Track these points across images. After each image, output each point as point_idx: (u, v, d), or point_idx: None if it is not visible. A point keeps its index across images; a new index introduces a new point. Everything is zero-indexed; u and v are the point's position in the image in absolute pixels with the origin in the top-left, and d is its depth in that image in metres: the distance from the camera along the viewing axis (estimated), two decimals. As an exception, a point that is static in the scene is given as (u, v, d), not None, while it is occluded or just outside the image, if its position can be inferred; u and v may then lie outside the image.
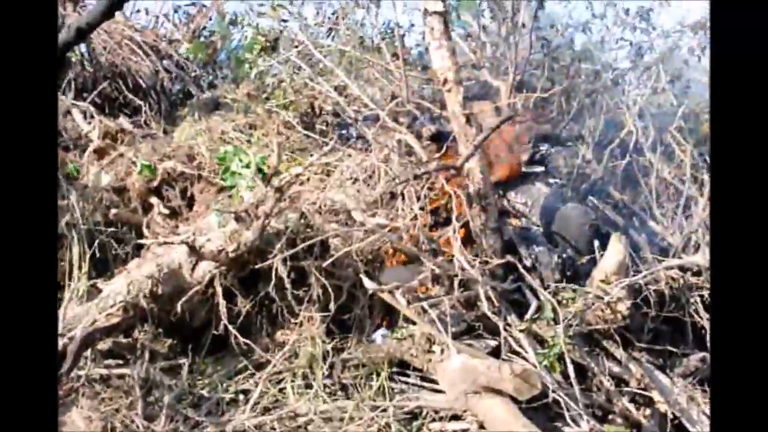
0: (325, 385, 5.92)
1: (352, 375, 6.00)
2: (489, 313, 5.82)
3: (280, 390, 5.92)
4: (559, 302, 5.79)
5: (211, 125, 7.98)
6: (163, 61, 9.51)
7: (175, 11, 10.32)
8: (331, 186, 6.58)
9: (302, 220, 6.16)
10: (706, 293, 6.40)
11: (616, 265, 6.08)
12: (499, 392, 5.51)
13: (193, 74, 9.79)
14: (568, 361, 5.67)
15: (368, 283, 5.87)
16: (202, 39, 10.45)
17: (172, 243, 5.91)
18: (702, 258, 6.36)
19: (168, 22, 10.24)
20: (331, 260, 5.91)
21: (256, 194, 6.00)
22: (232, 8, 9.70)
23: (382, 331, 6.26)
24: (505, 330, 5.85)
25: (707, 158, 7.67)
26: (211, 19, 10.42)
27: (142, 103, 8.62)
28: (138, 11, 10.27)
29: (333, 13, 8.69)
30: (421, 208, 6.44)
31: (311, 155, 6.88)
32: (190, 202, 7.26)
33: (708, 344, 6.20)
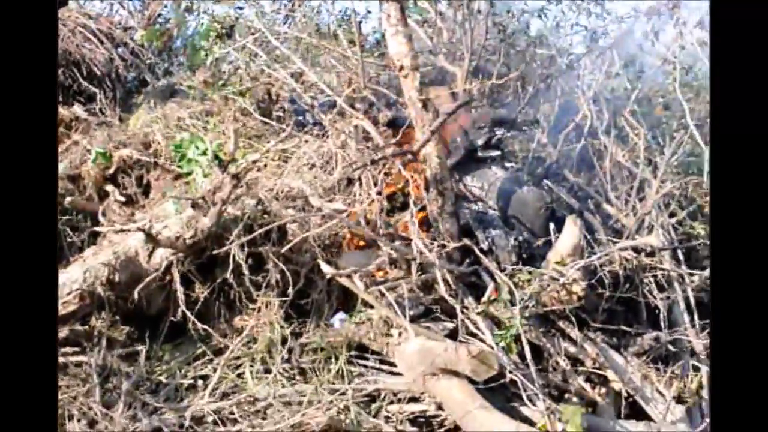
0: (284, 370, 5.93)
1: (311, 359, 6.03)
2: (446, 296, 5.89)
3: (239, 375, 5.94)
4: (515, 284, 5.83)
5: (167, 112, 7.93)
6: (117, 49, 9.39)
7: (129, -1, 10.22)
8: (288, 172, 6.57)
9: (259, 207, 6.16)
10: (659, 273, 6.51)
11: (571, 247, 6.16)
12: (456, 374, 5.58)
13: (148, 61, 9.68)
14: (524, 342, 5.75)
15: (326, 268, 5.89)
16: (157, 26, 10.35)
17: (129, 230, 5.88)
18: (655, 239, 6.46)
19: (123, 9, 10.12)
20: (288, 246, 5.92)
21: (213, 181, 5.98)
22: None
23: (340, 315, 6.28)
24: (462, 312, 5.91)
25: (660, 140, 7.79)
26: (166, 6, 10.31)
27: (96, 90, 8.51)
28: (93, -2, 10.18)
29: (289, 0, 8.65)
30: (379, 193, 6.45)
31: (268, 142, 6.86)
32: (147, 190, 7.22)
33: (662, 326, 6.30)
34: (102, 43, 9.01)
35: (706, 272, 6.80)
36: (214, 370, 5.89)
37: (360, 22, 8.29)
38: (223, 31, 7.52)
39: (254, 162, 5.83)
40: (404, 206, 6.51)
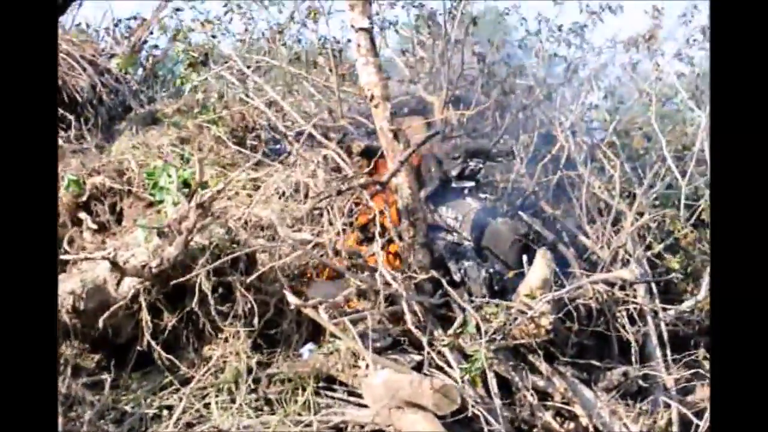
0: (251, 401, 5.89)
1: (278, 390, 5.98)
2: (413, 328, 5.85)
3: (205, 405, 5.89)
4: (483, 317, 5.80)
5: (149, 140, 7.91)
6: (103, 76, 9.39)
7: (116, 25, 10.25)
8: (257, 201, 6.55)
9: (228, 236, 6.13)
10: (631, 307, 6.47)
11: (540, 280, 6.11)
12: (422, 407, 5.53)
13: (134, 88, 9.69)
14: (491, 375, 5.72)
15: (291, 298, 5.85)
16: (144, 52, 10.40)
17: (94, 259, 5.86)
18: (628, 272, 6.42)
19: (108, 36, 10.16)
20: (256, 275, 5.89)
21: (179, 210, 5.96)
22: (175, 23, 9.52)
23: (309, 345, 6.25)
24: (431, 344, 5.88)
25: (641, 172, 7.77)
26: (152, 33, 10.35)
27: (72, 118, 8.46)
28: (78, 24, 10.20)
29: (268, 28, 8.66)
30: (350, 224, 6.44)
31: (246, 171, 6.84)
32: (120, 218, 7.21)
33: (633, 361, 6.27)
34: (84, 69, 9.00)
35: (683, 306, 6.77)
36: (181, 400, 5.84)
37: (340, 50, 8.28)
38: (198, 59, 7.50)
39: (219, 191, 5.80)
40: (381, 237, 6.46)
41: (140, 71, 10.23)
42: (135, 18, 10.39)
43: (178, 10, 9.03)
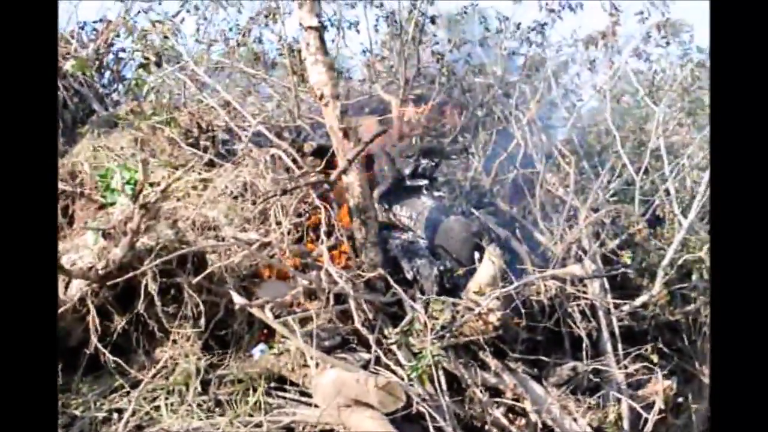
0: (202, 402, 5.87)
1: (229, 391, 5.96)
2: (360, 327, 5.85)
3: (155, 408, 5.86)
4: (430, 314, 5.79)
5: (109, 142, 7.87)
6: (65, 79, 9.33)
7: (81, 28, 10.18)
8: (205, 201, 6.51)
9: (176, 236, 6.11)
10: (583, 303, 6.47)
11: (488, 277, 6.12)
12: (370, 405, 5.52)
13: (99, 92, 9.65)
14: (439, 372, 5.71)
15: (237, 299, 5.85)
16: (111, 55, 10.34)
17: (38, 261, 5.82)
18: (578, 268, 6.42)
19: (73, 39, 10.09)
20: (203, 275, 5.87)
21: (124, 211, 5.94)
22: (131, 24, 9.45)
23: (261, 346, 6.22)
24: (380, 343, 5.88)
25: (601, 170, 7.77)
26: (119, 35, 10.29)
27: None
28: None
29: (230, 29, 8.66)
30: (298, 224, 6.42)
31: (194, 171, 6.82)
32: (71, 220, 7.17)
33: (584, 356, 6.26)
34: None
35: (636, 302, 6.79)
36: (130, 403, 5.82)
37: (299, 50, 8.27)
38: (149, 60, 7.47)
39: (163, 192, 5.76)
40: (329, 236, 6.45)
41: (107, 74, 10.15)
42: (101, 20, 10.31)
43: (139, 12, 8.97)
